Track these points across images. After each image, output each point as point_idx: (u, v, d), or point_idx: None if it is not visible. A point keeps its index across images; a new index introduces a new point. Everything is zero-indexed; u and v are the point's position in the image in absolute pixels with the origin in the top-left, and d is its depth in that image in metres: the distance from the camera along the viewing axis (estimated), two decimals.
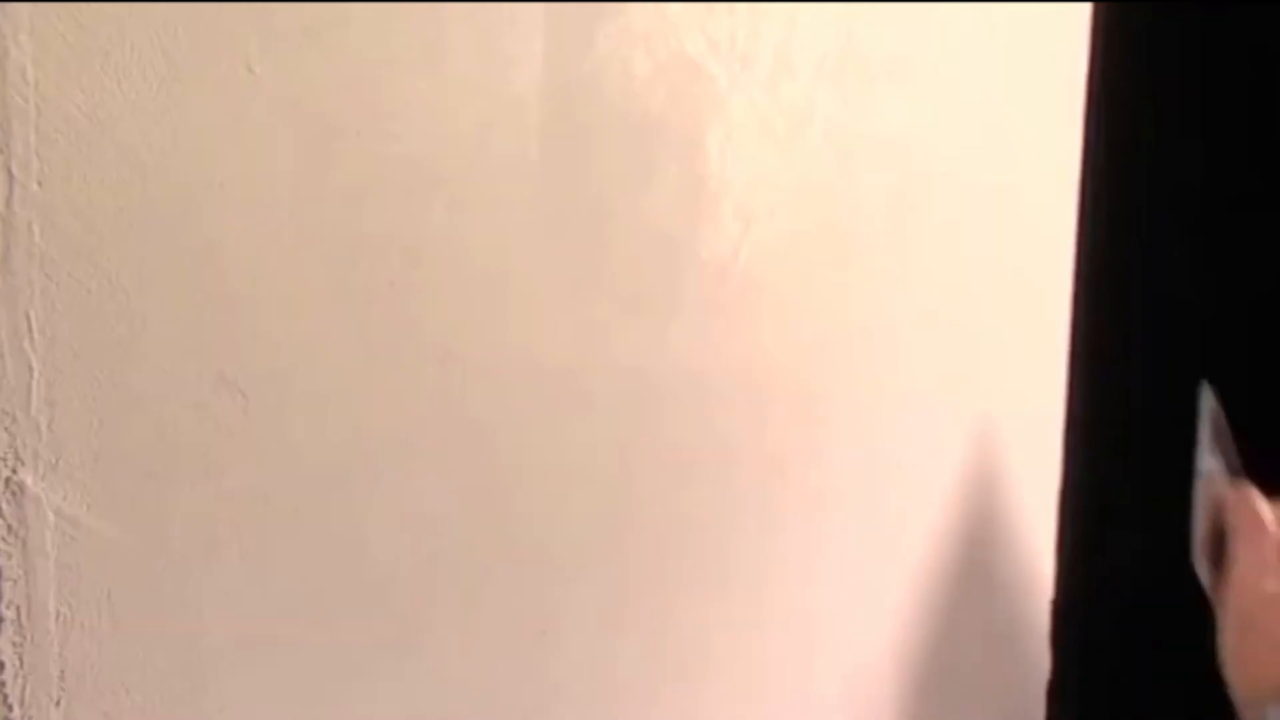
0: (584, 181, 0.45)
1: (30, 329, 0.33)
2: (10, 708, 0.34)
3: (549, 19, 0.43)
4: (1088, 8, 0.70)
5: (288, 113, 0.37)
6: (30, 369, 0.33)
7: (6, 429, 0.33)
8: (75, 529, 0.34)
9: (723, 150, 0.49)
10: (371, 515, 0.40)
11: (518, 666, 0.45)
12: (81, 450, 0.34)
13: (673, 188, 0.48)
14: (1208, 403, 0.60)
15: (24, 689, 0.34)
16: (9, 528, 0.33)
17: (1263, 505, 0.58)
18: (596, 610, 0.48)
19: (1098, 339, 0.77)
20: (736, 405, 0.52)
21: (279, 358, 0.37)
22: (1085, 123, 0.72)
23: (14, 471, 0.33)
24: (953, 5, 0.59)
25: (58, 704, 0.35)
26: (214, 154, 0.35)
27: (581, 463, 0.46)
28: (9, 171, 0.32)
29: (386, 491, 0.41)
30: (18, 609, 0.33)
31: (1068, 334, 0.72)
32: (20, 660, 0.34)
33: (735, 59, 0.49)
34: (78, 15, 0.32)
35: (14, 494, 0.33)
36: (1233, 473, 0.60)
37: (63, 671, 0.34)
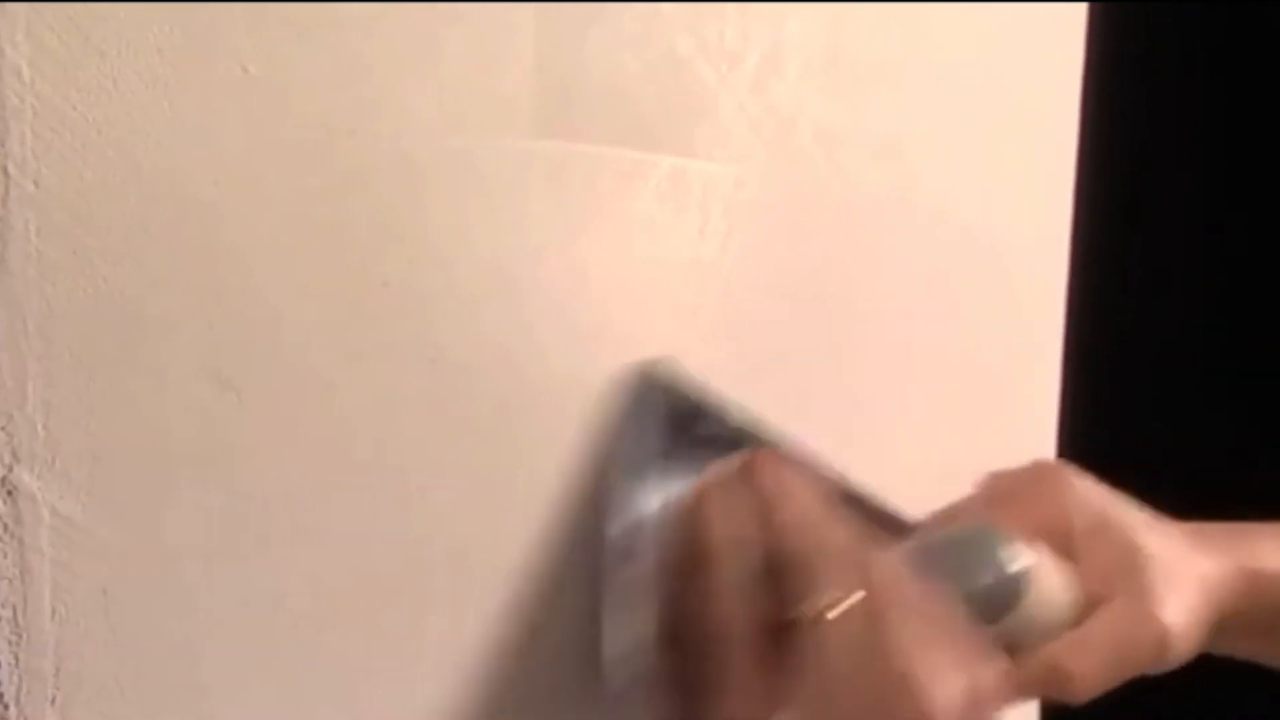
0: (574, 181, 0.45)
1: (26, 328, 0.33)
2: (6, 706, 0.34)
3: (539, 19, 0.43)
4: (1084, 8, 0.70)
5: (283, 112, 0.37)
6: (26, 368, 0.33)
7: (3, 428, 0.33)
8: (71, 528, 0.34)
9: (710, 150, 0.50)
10: (368, 515, 0.41)
11: (515, 664, 0.45)
12: (78, 449, 0.34)
13: (661, 187, 0.48)
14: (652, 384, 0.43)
15: (20, 688, 0.34)
16: (5, 526, 0.33)
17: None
18: (593, 609, 0.48)
19: (1093, 339, 0.77)
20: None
21: (275, 357, 0.38)
22: (1081, 123, 0.72)
23: (10, 470, 0.33)
24: (944, 5, 0.59)
25: (53, 702, 0.35)
26: (210, 153, 0.35)
27: (575, 465, 0.46)
28: (5, 172, 0.32)
29: (383, 492, 0.41)
30: (14, 608, 0.34)
31: (1062, 334, 0.72)
32: (16, 659, 0.34)
33: (724, 59, 0.49)
34: (74, 16, 0.32)
35: (9, 493, 0.33)
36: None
37: (58, 670, 0.34)
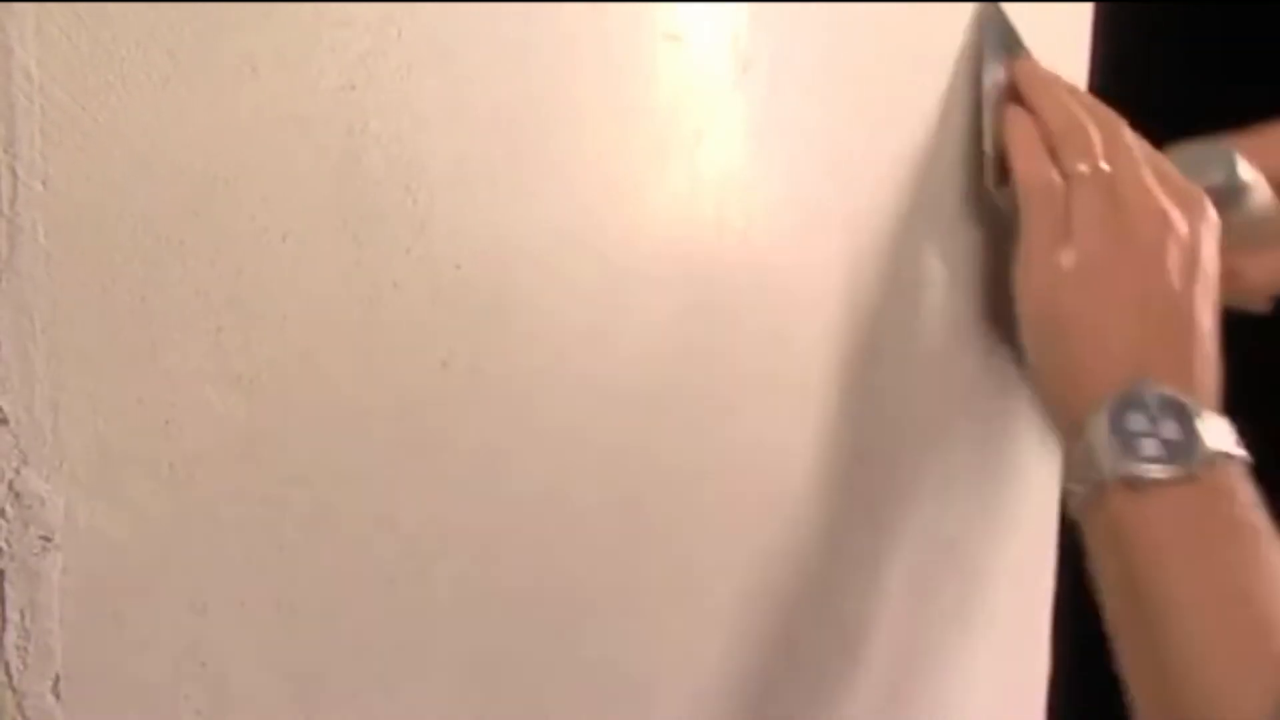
0: (587, 181, 0.45)
1: (34, 329, 0.33)
2: (15, 708, 0.34)
3: (552, 19, 0.43)
4: (1089, 8, 0.70)
5: (294, 113, 0.37)
6: (34, 369, 0.33)
7: (10, 431, 0.33)
8: (80, 530, 0.34)
9: (726, 149, 0.49)
10: (377, 518, 0.40)
11: (521, 667, 0.45)
12: (86, 452, 0.34)
13: (676, 188, 0.48)
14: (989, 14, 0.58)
15: (28, 691, 0.34)
16: (12, 529, 0.33)
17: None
18: (600, 611, 0.48)
19: None
20: (743, 407, 0.52)
21: (285, 359, 0.37)
22: None
23: (18, 472, 0.33)
24: (956, 5, 0.59)
25: (62, 706, 0.34)
26: (219, 153, 0.35)
27: (586, 467, 0.46)
28: (13, 172, 0.32)
29: (392, 494, 0.41)
30: (21, 612, 0.33)
31: None
32: (24, 663, 0.34)
33: (737, 58, 0.49)
34: (82, 15, 0.32)
35: (17, 495, 0.33)
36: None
37: (67, 675, 0.34)
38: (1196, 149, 0.59)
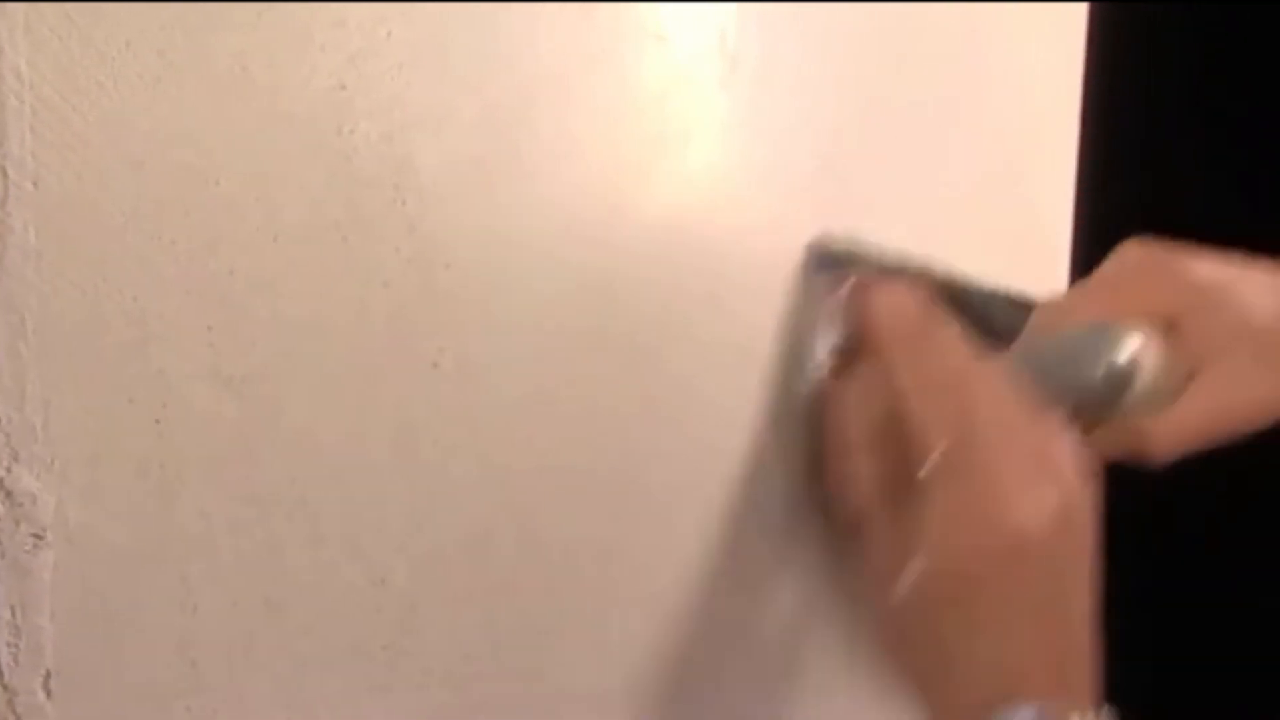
0: (577, 183, 0.45)
1: (25, 329, 0.33)
2: (6, 707, 0.34)
3: (542, 20, 0.43)
4: (1084, 8, 0.70)
5: (284, 112, 0.37)
6: (25, 369, 0.33)
7: (2, 429, 0.33)
8: (71, 529, 0.34)
9: (715, 149, 0.50)
10: (369, 517, 0.40)
11: (517, 666, 0.45)
12: (78, 450, 0.34)
13: (665, 188, 0.48)
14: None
15: (17, 689, 0.34)
16: (3, 528, 0.33)
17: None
18: (596, 609, 0.48)
19: None
20: (741, 405, 0.52)
21: (276, 359, 0.38)
22: (1082, 123, 0.72)
23: (9, 471, 0.33)
24: (948, 5, 0.59)
25: (51, 703, 0.35)
26: (210, 154, 0.35)
27: (581, 466, 0.46)
28: (4, 172, 0.32)
29: (384, 493, 0.41)
30: (12, 609, 0.33)
31: None
32: (15, 660, 0.34)
33: (726, 58, 0.49)
34: (72, 15, 0.32)
35: (8, 494, 0.33)
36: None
37: (58, 672, 0.34)
38: (1065, 341, 0.50)
